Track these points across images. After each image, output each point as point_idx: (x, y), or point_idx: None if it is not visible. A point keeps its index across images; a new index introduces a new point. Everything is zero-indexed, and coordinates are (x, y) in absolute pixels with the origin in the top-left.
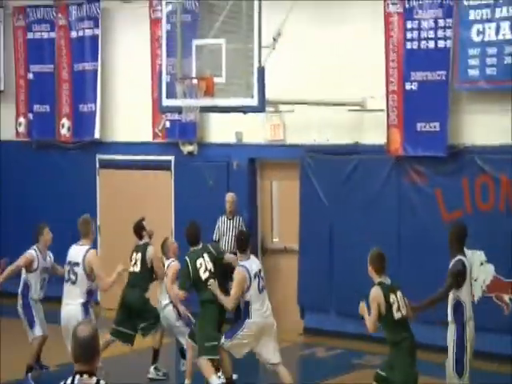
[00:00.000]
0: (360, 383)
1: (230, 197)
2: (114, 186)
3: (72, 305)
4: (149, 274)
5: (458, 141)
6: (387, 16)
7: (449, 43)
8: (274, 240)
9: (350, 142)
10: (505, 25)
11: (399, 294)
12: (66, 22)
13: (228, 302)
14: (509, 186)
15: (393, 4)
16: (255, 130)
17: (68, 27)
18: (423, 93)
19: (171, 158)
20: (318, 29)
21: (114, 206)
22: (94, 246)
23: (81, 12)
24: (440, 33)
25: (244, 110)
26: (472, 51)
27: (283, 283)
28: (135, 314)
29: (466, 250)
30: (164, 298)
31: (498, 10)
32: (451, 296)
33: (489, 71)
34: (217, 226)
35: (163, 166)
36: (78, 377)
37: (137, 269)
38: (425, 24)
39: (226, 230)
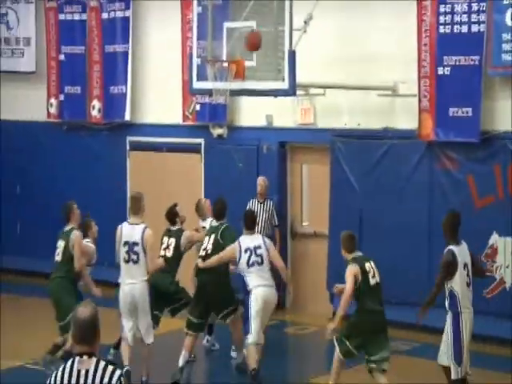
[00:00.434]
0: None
1: (261, 180)
2: (144, 168)
3: (137, 283)
4: (179, 259)
5: (491, 126)
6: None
7: (482, 27)
8: (304, 224)
9: (381, 126)
10: None
11: (372, 263)
12: (97, 3)
13: (211, 260)
14: None
15: None
16: (285, 114)
17: (99, 9)
18: (456, 78)
19: (201, 140)
20: (349, 12)
21: (144, 187)
22: None
23: None
24: (473, 17)
25: (274, 93)
26: (506, 36)
27: (312, 268)
28: (165, 296)
29: (462, 242)
30: None
31: None
32: (445, 286)
33: None
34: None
35: (193, 149)
36: (77, 358)
37: (169, 254)
38: (458, 8)
39: (256, 213)
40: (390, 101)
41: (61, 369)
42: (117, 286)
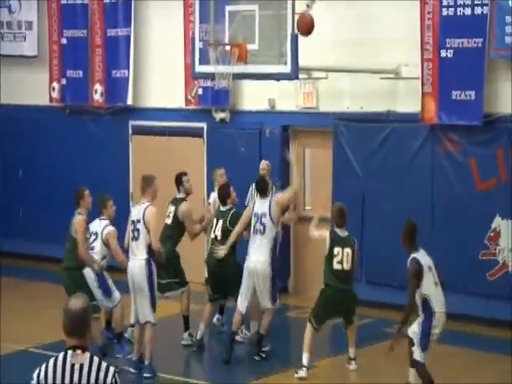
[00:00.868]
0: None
1: (264, 164)
2: (147, 152)
3: (136, 260)
4: (180, 227)
5: (494, 109)
6: None
7: (485, 10)
8: (307, 208)
9: (384, 110)
10: None
11: (347, 250)
12: None
13: (231, 238)
14: None
15: None
16: (288, 98)
17: None
18: (459, 60)
19: (203, 124)
20: None
21: (146, 171)
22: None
23: None
24: None
25: (277, 77)
26: (509, 18)
27: (314, 251)
28: (164, 265)
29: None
30: None
31: None
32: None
33: None
34: (249, 193)
35: (195, 133)
36: (70, 352)
37: (169, 221)
38: None
39: None
40: (393, 84)
41: (51, 362)
42: None
